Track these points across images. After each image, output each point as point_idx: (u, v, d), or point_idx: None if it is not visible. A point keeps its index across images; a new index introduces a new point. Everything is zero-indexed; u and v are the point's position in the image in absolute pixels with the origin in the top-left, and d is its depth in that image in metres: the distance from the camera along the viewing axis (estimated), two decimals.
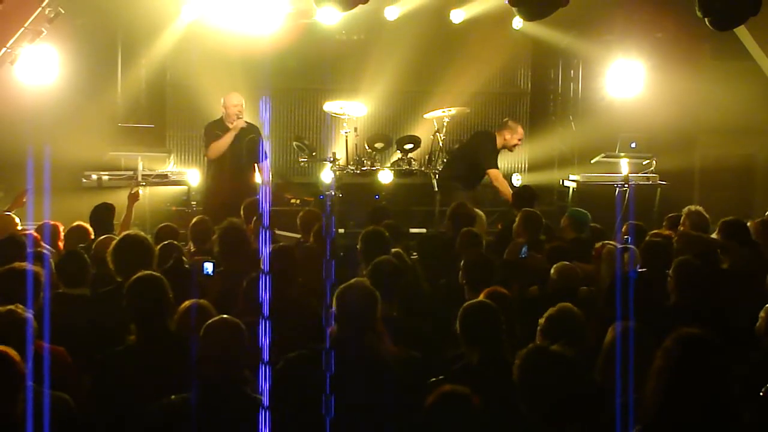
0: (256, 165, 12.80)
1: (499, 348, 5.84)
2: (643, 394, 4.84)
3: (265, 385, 5.23)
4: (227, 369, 5.32)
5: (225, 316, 5.64)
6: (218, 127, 12.78)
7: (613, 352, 5.36)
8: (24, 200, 10.52)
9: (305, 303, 7.06)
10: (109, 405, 5.80)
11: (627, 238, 8.84)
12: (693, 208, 9.91)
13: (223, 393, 5.27)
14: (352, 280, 6.20)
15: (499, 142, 13.55)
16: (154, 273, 6.40)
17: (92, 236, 9.51)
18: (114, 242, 7.60)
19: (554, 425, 4.50)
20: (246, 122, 12.76)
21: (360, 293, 5.93)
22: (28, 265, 6.63)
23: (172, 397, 5.28)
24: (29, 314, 5.60)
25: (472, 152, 13.70)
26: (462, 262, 7.75)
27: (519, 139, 13.71)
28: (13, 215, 9.92)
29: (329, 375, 5.33)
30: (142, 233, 8.06)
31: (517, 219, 9.81)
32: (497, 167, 13.66)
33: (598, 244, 8.82)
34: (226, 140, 12.59)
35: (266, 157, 12.95)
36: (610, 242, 8.79)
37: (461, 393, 4.98)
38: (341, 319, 5.82)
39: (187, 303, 6.38)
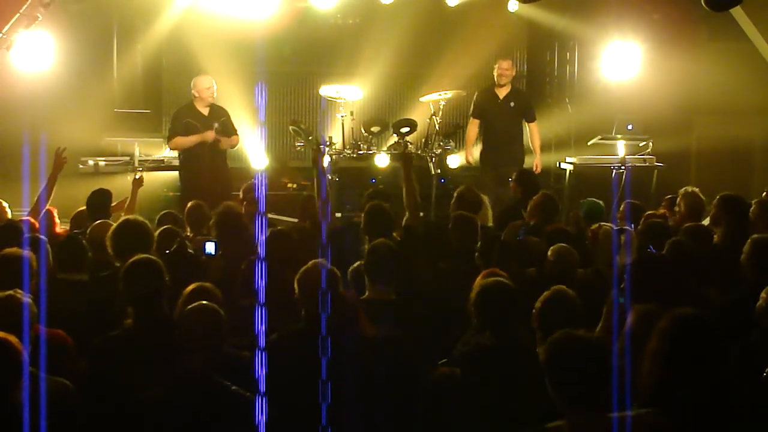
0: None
1: (515, 329, 5.87)
2: (639, 375, 4.86)
3: (261, 371, 5.23)
4: (204, 357, 5.30)
5: (204, 302, 5.60)
6: (188, 114, 12.85)
7: (637, 336, 5.35)
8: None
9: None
10: (105, 389, 5.79)
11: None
12: (689, 189, 9.90)
13: (202, 383, 5.26)
14: (310, 263, 6.19)
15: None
16: (150, 257, 6.39)
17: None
18: (113, 227, 7.60)
19: (579, 407, 4.52)
20: (215, 104, 12.83)
21: (315, 275, 5.97)
22: (23, 251, 6.62)
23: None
24: (27, 298, 5.60)
25: None
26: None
27: (501, 69, 14.01)
28: (2, 202, 9.91)
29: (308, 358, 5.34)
30: (141, 218, 8.06)
31: (533, 201, 9.81)
32: (475, 117, 14.12)
33: (594, 226, 8.81)
34: (190, 141, 12.75)
35: (237, 133, 13.17)
36: (606, 224, 8.78)
37: (458, 375, 5.01)
38: (302, 302, 5.85)
39: (192, 286, 6.37)
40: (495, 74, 14.08)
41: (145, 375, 5.57)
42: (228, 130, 12.99)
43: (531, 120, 14.14)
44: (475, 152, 14.30)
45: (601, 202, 10.35)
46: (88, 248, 7.87)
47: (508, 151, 13.76)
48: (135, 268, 6.17)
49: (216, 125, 12.74)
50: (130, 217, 8.06)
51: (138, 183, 10.77)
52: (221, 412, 5.16)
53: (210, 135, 12.72)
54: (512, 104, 13.88)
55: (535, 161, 13.99)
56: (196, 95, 12.95)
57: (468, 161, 14.33)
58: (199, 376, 5.26)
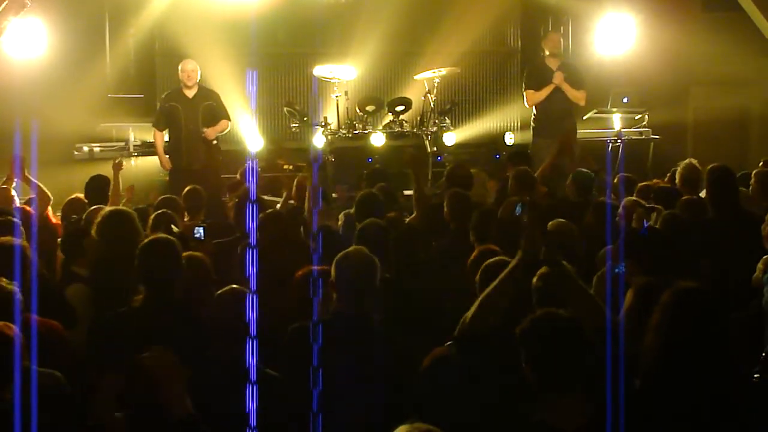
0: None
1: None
2: (641, 348, 4.83)
3: (252, 360, 5.21)
4: (235, 340, 5.33)
5: (234, 286, 5.62)
6: (173, 98, 13.00)
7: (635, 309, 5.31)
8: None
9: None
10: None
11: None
12: (688, 161, 9.87)
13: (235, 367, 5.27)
14: (351, 248, 6.19)
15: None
16: (169, 237, 6.33)
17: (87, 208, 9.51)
18: (97, 220, 7.56)
19: (555, 390, 4.46)
20: (203, 87, 12.89)
21: (358, 260, 5.93)
22: (15, 240, 6.58)
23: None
24: (16, 287, 5.54)
25: None
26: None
27: (553, 42, 13.87)
28: (11, 189, 9.89)
29: (317, 347, 5.31)
30: (125, 207, 8.04)
31: (509, 179, 9.79)
32: (531, 88, 13.76)
33: (626, 201, 8.77)
34: (158, 148, 13.18)
35: (227, 117, 13.24)
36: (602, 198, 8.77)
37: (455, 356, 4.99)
38: (340, 286, 5.82)
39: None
40: (547, 47, 13.89)
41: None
42: (215, 113, 13.01)
43: (581, 88, 13.80)
44: None
45: (590, 172, 10.31)
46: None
47: (562, 122, 13.59)
48: (152, 247, 6.11)
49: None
50: (113, 208, 8.00)
51: (118, 167, 10.73)
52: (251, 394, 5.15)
53: (166, 164, 13.10)
54: (564, 76, 13.71)
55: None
56: (180, 78, 13.06)
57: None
58: (230, 359, 5.29)
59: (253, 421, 4.96)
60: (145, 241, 6.24)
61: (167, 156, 13.13)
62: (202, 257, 6.58)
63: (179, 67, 13.17)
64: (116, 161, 10.84)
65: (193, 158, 12.79)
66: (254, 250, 6.01)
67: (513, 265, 5.34)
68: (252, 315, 5.32)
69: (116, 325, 5.94)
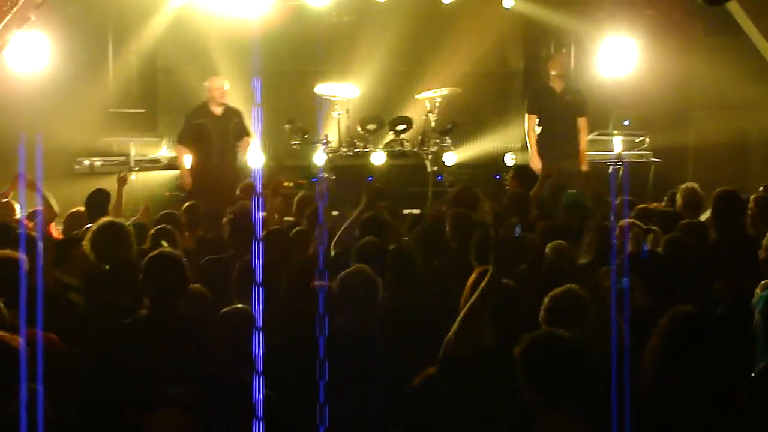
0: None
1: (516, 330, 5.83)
2: (639, 372, 4.83)
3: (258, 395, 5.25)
4: (235, 358, 5.38)
5: (239, 305, 5.66)
6: (201, 114, 12.95)
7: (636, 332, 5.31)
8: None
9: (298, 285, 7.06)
10: (110, 376, 5.80)
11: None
12: (689, 185, 9.90)
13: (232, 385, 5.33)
14: (353, 267, 6.25)
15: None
16: (173, 251, 6.40)
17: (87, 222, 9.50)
18: (90, 231, 7.57)
19: (555, 409, 4.46)
20: (228, 105, 12.90)
21: (360, 279, 6.00)
22: (19, 254, 6.59)
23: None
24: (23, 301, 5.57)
25: None
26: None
27: (557, 68, 13.78)
28: (12, 202, 9.90)
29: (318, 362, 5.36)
30: (119, 219, 8.05)
31: (508, 198, 9.82)
32: (534, 111, 13.67)
33: (621, 222, 8.77)
34: (181, 167, 13.15)
35: (250, 134, 13.21)
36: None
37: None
38: (342, 303, 5.87)
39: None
40: (553, 68, 13.81)
41: (151, 367, 5.63)
42: (240, 131, 13.05)
43: (583, 115, 13.72)
44: None
45: (579, 194, 10.32)
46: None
47: (567, 145, 13.58)
48: (156, 261, 6.16)
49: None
50: (107, 219, 8.01)
51: (122, 181, 10.75)
52: (250, 413, 5.20)
53: (187, 184, 12.92)
54: (569, 98, 13.70)
55: (581, 157, 13.64)
56: (209, 95, 13.07)
57: (536, 166, 13.29)
58: (231, 377, 5.37)
59: None
60: (152, 254, 6.28)
61: (194, 171, 13.10)
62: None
63: (208, 84, 13.18)
64: (121, 175, 10.86)
65: (224, 175, 12.77)
66: (257, 270, 6.04)
67: (487, 281, 5.37)
68: (257, 336, 5.36)
69: (120, 336, 5.98)
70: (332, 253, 8.53)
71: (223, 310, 5.64)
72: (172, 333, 5.88)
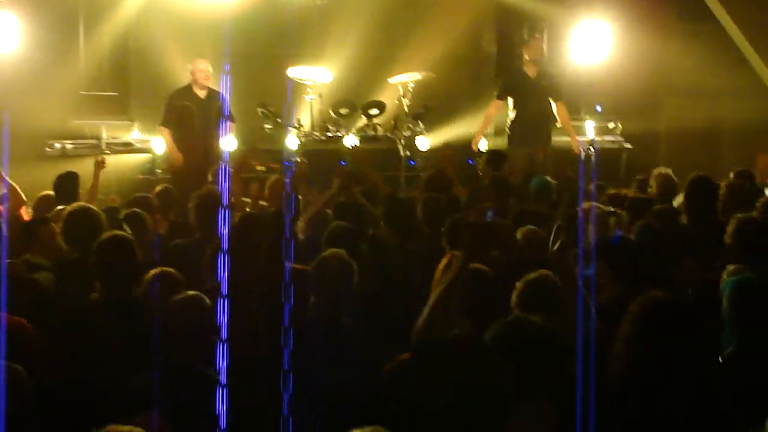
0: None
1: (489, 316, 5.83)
2: (610, 359, 4.84)
3: (222, 363, 5.22)
4: (190, 348, 5.34)
5: (191, 292, 5.63)
6: (184, 96, 12.85)
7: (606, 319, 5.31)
8: None
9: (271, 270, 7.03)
10: (66, 363, 5.77)
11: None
12: (662, 170, 9.93)
13: (185, 372, 5.30)
14: (329, 251, 6.24)
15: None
16: (124, 234, 6.38)
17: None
18: (62, 218, 7.53)
19: (528, 398, 4.45)
20: (212, 88, 12.84)
21: (337, 263, 6.01)
22: None
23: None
24: None
25: None
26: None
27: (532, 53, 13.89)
28: None
29: (287, 351, 5.34)
30: (91, 206, 8.00)
31: (485, 183, 9.82)
32: (505, 96, 13.81)
33: (585, 206, 8.78)
34: (169, 147, 12.94)
35: (233, 119, 13.07)
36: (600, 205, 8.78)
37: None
38: (317, 287, 5.86)
39: (154, 271, 6.39)
40: (528, 53, 13.92)
41: (106, 351, 5.66)
42: (223, 115, 13.02)
43: (559, 99, 13.87)
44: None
45: (549, 178, 10.35)
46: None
47: (539, 130, 13.64)
48: (108, 243, 6.14)
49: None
50: (78, 205, 7.96)
51: (100, 165, 10.66)
52: (206, 402, 5.18)
53: (178, 161, 12.73)
54: (543, 83, 13.73)
55: (572, 142, 13.90)
56: (192, 78, 13.08)
57: (476, 146, 13.90)
58: (187, 366, 5.35)
59: (223, 423, 4.96)
60: (102, 237, 6.27)
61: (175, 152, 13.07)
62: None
63: (192, 66, 13.12)
64: (98, 159, 10.77)
65: (209, 157, 12.68)
66: (226, 254, 6.02)
67: (457, 267, 5.36)
68: (223, 319, 5.33)
69: (75, 320, 5.98)
70: (300, 236, 8.52)
71: (175, 297, 5.59)
72: (125, 317, 5.89)
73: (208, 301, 5.52)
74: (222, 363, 5.21)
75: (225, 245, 6.21)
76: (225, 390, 5.08)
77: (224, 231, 6.61)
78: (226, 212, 7.17)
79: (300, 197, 8.96)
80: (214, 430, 4.95)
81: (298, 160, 14.12)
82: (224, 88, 13.17)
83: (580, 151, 13.67)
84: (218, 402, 5.03)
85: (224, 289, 5.60)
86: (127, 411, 4.15)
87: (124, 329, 5.84)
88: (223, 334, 5.33)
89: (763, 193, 9.16)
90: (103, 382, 5.51)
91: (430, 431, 4.64)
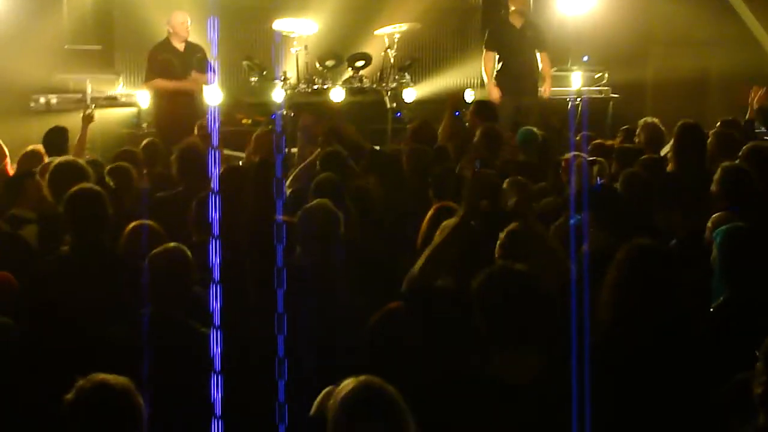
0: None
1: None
2: (596, 307, 4.85)
3: (215, 304, 5.21)
4: (172, 299, 5.35)
5: (172, 244, 5.62)
6: (164, 50, 12.84)
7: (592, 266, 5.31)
8: None
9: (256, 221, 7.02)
10: (42, 317, 5.79)
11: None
12: (649, 120, 9.93)
13: (169, 325, 5.33)
14: (314, 201, 6.24)
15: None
16: (93, 187, 6.38)
17: (46, 160, 9.40)
18: (48, 170, 7.51)
19: (512, 347, 4.46)
20: (189, 41, 12.80)
21: (321, 213, 6.03)
22: None
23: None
24: None
25: None
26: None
27: (517, 3, 13.81)
28: None
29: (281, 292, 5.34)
30: (77, 159, 7.99)
31: (477, 134, 9.77)
32: (493, 48, 13.80)
33: (566, 156, 8.79)
34: (170, 86, 12.68)
35: (214, 73, 13.01)
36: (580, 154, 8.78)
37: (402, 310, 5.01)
38: (304, 239, 5.87)
39: (134, 224, 6.39)
40: (514, 4, 13.85)
41: (77, 301, 5.67)
42: (202, 67, 12.97)
43: (544, 49, 13.87)
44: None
45: (535, 129, 10.34)
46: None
47: (526, 81, 13.63)
48: (77, 196, 6.16)
49: (192, 72, 12.81)
50: (64, 159, 7.94)
51: (88, 119, 10.61)
52: (188, 353, 5.22)
53: (188, 84, 12.79)
54: (528, 33, 13.70)
55: (544, 87, 13.81)
56: (171, 31, 13.06)
57: (495, 97, 13.48)
58: (167, 317, 5.35)
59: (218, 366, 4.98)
60: (72, 189, 6.27)
61: (158, 108, 13.10)
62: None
63: (170, 20, 13.08)
64: (87, 113, 10.70)
65: (193, 110, 12.64)
66: (217, 196, 6.02)
67: (459, 218, 5.37)
68: (216, 260, 5.34)
69: (49, 273, 6.04)
70: (288, 191, 8.50)
71: (155, 250, 5.58)
72: (96, 270, 5.92)
73: (188, 252, 5.50)
74: (215, 304, 5.21)
75: (211, 198, 6.19)
76: (219, 332, 5.09)
77: (209, 183, 6.60)
78: (212, 164, 7.14)
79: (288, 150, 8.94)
80: (202, 377, 4.96)
81: (289, 113, 14.06)
82: (210, 40, 13.12)
83: (552, 101, 13.71)
84: (212, 346, 5.04)
85: (216, 232, 5.60)
86: (109, 363, 4.13)
87: (97, 281, 5.86)
88: (216, 275, 5.33)
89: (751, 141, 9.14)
90: (78, 333, 5.51)
91: (418, 380, 4.66)
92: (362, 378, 3.70)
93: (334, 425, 3.64)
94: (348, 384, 3.69)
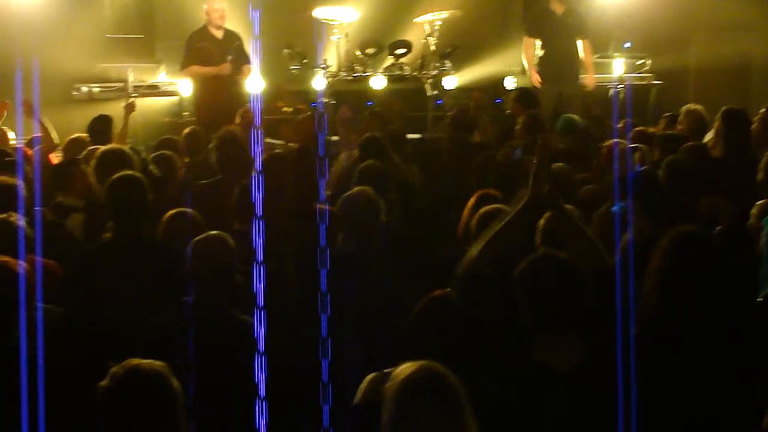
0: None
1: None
2: (641, 295, 4.83)
3: (259, 285, 5.24)
4: (216, 287, 5.37)
5: (214, 232, 5.64)
6: (201, 38, 12.89)
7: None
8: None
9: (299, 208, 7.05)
10: (82, 303, 5.84)
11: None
12: (692, 107, 9.87)
13: (213, 313, 5.33)
14: (356, 189, 6.26)
15: None
16: (133, 174, 6.42)
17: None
18: (94, 159, 7.55)
19: (555, 334, 4.46)
20: (228, 28, 12.81)
21: (363, 201, 6.07)
22: (17, 180, 6.60)
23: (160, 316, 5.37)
24: (21, 223, 5.60)
25: None
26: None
27: None
28: (4, 128, 9.86)
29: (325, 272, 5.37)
30: (123, 146, 8.04)
31: (519, 121, 9.77)
32: (534, 35, 13.80)
33: (607, 142, 8.76)
34: (207, 72, 12.64)
35: (250, 62, 13.02)
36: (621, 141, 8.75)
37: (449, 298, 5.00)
38: (345, 226, 5.89)
39: (173, 211, 6.47)
40: None
41: (120, 290, 5.71)
42: (241, 56, 12.97)
43: (585, 37, 13.78)
44: None
45: (576, 117, 10.30)
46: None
47: (568, 68, 13.60)
48: (118, 183, 6.19)
49: (230, 57, 12.78)
50: (110, 147, 7.99)
51: (129, 108, 10.69)
52: (231, 342, 5.23)
53: (226, 68, 12.71)
54: (570, 20, 13.65)
55: (587, 76, 13.77)
56: (207, 17, 13.03)
57: (536, 81, 13.55)
58: (210, 305, 5.35)
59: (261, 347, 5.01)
60: (113, 177, 6.30)
61: (197, 97, 13.15)
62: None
63: (207, 7, 13.13)
64: (128, 102, 10.82)
65: (233, 98, 12.65)
66: (261, 185, 6.05)
67: (522, 206, 5.34)
68: (259, 242, 5.36)
69: (87, 261, 6.07)
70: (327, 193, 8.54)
71: (198, 237, 5.58)
72: (136, 257, 5.95)
73: (231, 240, 5.51)
74: (259, 285, 5.23)
75: (254, 186, 6.22)
76: (263, 312, 5.11)
77: (248, 171, 6.62)
78: (254, 152, 7.18)
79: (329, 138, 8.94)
80: (244, 365, 4.99)
81: (330, 100, 14.08)
82: (251, 32, 13.16)
83: (593, 89, 13.63)
84: (256, 327, 5.07)
85: (255, 232, 5.63)
86: (151, 351, 4.15)
87: (138, 269, 5.89)
88: (260, 277, 5.35)
89: None
90: (117, 322, 5.55)
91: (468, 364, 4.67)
92: (423, 362, 3.70)
93: (394, 405, 3.63)
94: (408, 367, 3.69)
